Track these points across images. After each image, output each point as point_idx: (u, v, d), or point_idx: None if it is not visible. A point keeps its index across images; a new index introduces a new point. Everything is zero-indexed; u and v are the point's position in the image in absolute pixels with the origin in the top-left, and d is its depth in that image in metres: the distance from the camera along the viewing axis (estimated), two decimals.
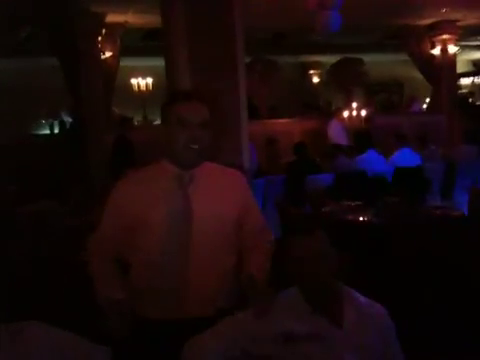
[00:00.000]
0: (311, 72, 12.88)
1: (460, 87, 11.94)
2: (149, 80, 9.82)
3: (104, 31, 7.61)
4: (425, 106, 11.38)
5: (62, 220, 3.67)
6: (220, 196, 1.96)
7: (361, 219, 4.49)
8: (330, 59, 12.20)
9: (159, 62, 5.08)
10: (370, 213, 4.51)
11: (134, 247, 1.93)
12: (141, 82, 9.87)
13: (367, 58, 11.81)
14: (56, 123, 10.41)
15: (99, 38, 7.58)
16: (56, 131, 10.18)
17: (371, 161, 6.20)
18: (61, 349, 1.60)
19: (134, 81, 9.92)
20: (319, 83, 12.81)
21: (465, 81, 12.04)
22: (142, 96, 9.82)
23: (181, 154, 1.90)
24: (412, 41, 10.05)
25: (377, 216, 4.41)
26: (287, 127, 8.90)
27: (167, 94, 2.61)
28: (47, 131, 10.49)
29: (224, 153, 2.31)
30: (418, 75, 10.70)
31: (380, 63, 11.77)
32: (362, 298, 1.85)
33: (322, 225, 1.85)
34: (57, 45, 7.47)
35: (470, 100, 11.44)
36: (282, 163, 7.20)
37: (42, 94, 9.56)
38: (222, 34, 2.32)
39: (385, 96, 12.14)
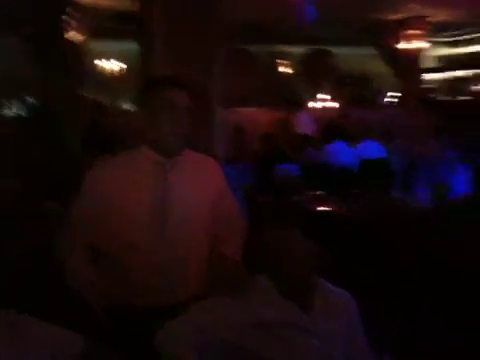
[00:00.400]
0: (279, 62, 12.89)
1: (425, 82, 12.18)
2: (116, 63, 9.64)
3: (69, 10, 7.41)
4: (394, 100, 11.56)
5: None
6: (198, 183, 1.99)
7: (326, 209, 4.59)
8: (300, 50, 12.23)
9: (131, 46, 4.97)
10: (335, 203, 4.62)
11: (110, 232, 1.91)
12: (105, 64, 9.68)
13: (337, 51, 11.90)
14: (21, 106, 10.09)
15: (65, 17, 7.38)
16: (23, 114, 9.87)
17: (338, 152, 6.29)
18: (61, 347, 1.57)
19: (99, 63, 9.72)
20: (288, 74, 12.84)
21: (431, 76, 12.26)
22: (113, 80, 9.66)
23: (167, 139, 1.89)
24: (382, 35, 10.17)
25: (341, 206, 4.53)
26: (254, 116, 8.93)
27: (143, 79, 2.57)
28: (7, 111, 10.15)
29: (197, 141, 2.31)
30: (387, 70, 10.86)
31: (350, 56, 11.87)
32: (330, 286, 1.89)
33: (294, 216, 1.88)
34: (20, 23, 7.23)
35: (432, 96, 11.69)
36: (249, 152, 7.23)
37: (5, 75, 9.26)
38: (199, 22, 2.31)
39: (355, 89, 12.26)
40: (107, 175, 1.95)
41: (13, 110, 9.94)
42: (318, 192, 5.17)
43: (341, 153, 6.29)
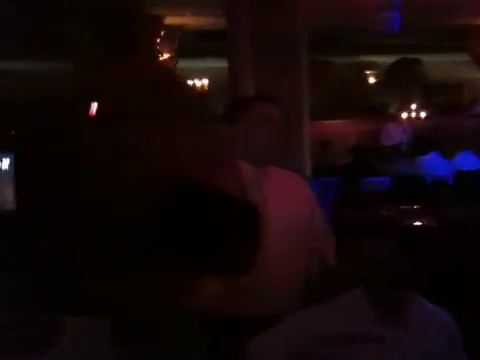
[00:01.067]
0: (367, 72, 12.65)
1: None
2: (205, 81, 9.92)
3: (162, 33, 7.75)
4: None
5: None
6: (293, 196, 1.99)
7: (420, 224, 4.39)
8: (386, 60, 11.94)
9: (215, 63, 5.08)
10: (430, 218, 4.41)
11: None
12: (197, 83, 9.99)
13: (425, 59, 11.49)
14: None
15: (157, 40, 7.72)
16: None
17: (432, 164, 6.04)
18: None
19: (190, 82, 10.04)
20: (375, 84, 12.57)
21: None
22: None
23: (260, 152, 1.90)
24: (473, 41, 9.71)
25: (438, 221, 4.31)
26: (342, 128, 8.79)
27: (230, 95, 2.62)
28: None
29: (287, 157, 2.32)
30: (479, 76, 10.33)
31: (440, 64, 11.42)
32: (428, 304, 1.81)
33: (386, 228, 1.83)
34: (114, 48, 7.64)
35: None
36: (337, 165, 7.11)
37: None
38: (285, 34, 2.31)
39: (444, 98, 11.76)
40: None
41: None
42: (411, 206, 4.97)
43: (435, 165, 6.03)
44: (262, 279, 1.88)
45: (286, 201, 1.96)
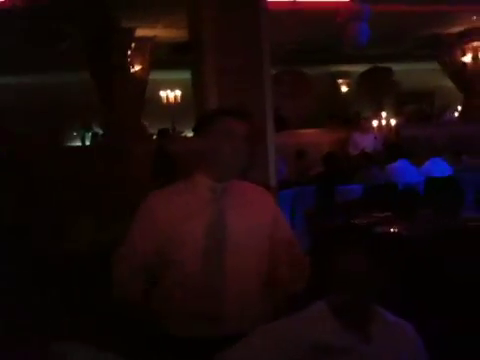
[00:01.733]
0: (340, 81, 12.81)
1: None
2: (178, 92, 9.93)
3: (134, 45, 7.75)
4: (456, 115, 11.18)
5: (92, 234, 3.71)
6: (251, 210, 1.97)
7: (392, 231, 4.42)
8: (359, 69, 12.12)
9: (187, 75, 5.09)
10: (401, 225, 4.44)
11: (166, 260, 1.92)
12: (170, 94, 10.00)
13: (397, 67, 11.68)
14: (88, 135, 10.61)
15: (129, 52, 7.72)
16: (87, 143, 10.38)
17: (402, 172, 6.10)
18: None
19: (163, 93, 10.05)
20: (348, 93, 12.73)
21: None
22: (171, 108, 9.94)
23: (223, 165, 1.91)
24: (443, 50, 9.91)
25: (409, 228, 4.34)
26: (316, 138, 8.86)
27: (197, 106, 2.63)
28: (79, 143, 10.71)
29: (251, 169, 2.31)
30: (449, 84, 10.53)
31: (410, 72, 11.62)
32: (391, 316, 1.81)
33: (359, 239, 1.82)
34: (91, 59, 7.63)
35: None
36: (311, 174, 7.15)
37: (76, 107, 9.78)
38: (248, 46, 2.32)
39: (416, 106, 11.96)
40: (163, 202, 1.96)
41: (86, 141, 10.49)
42: (383, 213, 5.00)
43: (405, 172, 6.10)
44: (221, 293, 1.88)
45: (244, 213, 1.95)
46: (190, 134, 9.48)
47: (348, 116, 10.48)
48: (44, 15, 6.03)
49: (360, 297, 1.70)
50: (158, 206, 1.96)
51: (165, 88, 10.10)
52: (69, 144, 10.81)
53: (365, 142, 8.30)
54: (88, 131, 10.64)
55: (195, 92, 2.60)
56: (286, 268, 1.98)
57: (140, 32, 7.65)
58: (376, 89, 11.64)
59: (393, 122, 9.39)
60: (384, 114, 9.83)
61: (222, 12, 2.29)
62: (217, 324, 1.88)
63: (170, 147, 7.06)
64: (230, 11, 2.27)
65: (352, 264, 1.70)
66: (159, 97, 10.09)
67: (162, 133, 8.34)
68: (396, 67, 11.68)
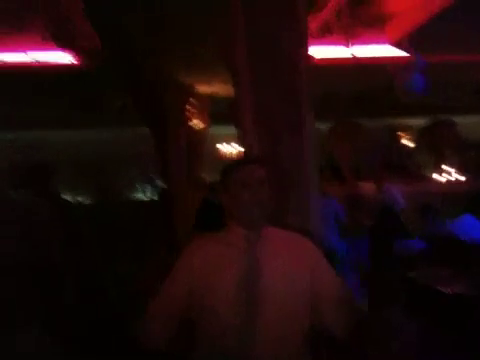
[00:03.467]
0: (400, 134, 12.66)
1: None
2: (236, 146, 10.14)
3: (192, 100, 8.03)
4: None
5: (139, 282, 3.78)
6: (289, 257, 1.94)
7: (453, 291, 4.17)
8: (418, 121, 11.95)
9: None
10: (463, 283, 4.20)
11: (201, 308, 1.91)
12: (229, 148, 10.22)
13: (458, 119, 11.43)
14: (149, 187, 10.96)
15: (188, 107, 8.00)
16: (148, 194, 10.72)
17: (469, 227, 5.84)
18: None
19: (220, 146, 10.29)
20: (408, 146, 12.54)
21: None
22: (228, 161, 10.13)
23: (246, 211, 1.93)
24: None
25: (470, 287, 4.10)
26: (372, 189, 8.69)
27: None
28: (141, 195, 11.07)
29: (290, 215, 2.29)
30: None
31: (471, 124, 11.33)
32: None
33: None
34: (147, 115, 7.97)
35: None
36: (367, 225, 6.97)
37: (136, 160, 10.19)
38: (288, 99, 2.37)
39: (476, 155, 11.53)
40: (201, 250, 1.99)
41: (147, 194, 10.85)
42: (444, 269, 4.76)
43: (472, 228, 5.82)
44: (254, 347, 1.82)
45: (280, 262, 1.91)
46: None
47: (408, 168, 10.25)
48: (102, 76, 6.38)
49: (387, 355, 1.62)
50: (196, 255, 1.99)
51: (221, 142, 10.36)
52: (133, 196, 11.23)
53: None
54: (150, 183, 11.00)
55: (241, 145, 2.66)
56: (333, 310, 1.92)
57: (200, 88, 7.93)
58: (438, 142, 11.39)
59: (462, 178, 9.08)
60: (447, 168, 9.54)
61: (260, 67, 2.35)
62: None
63: (218, 199, 7.11)
64: (268, 65, 2.33)
65: (382, 319, 1.64)
66: (216, 150, 10.33)
67: (212, 185, 8.47)
68: (458, 119, 11.44)
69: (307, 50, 2.40)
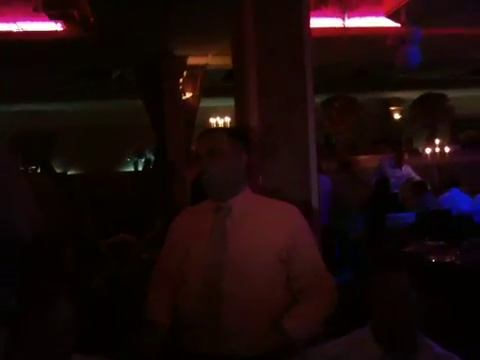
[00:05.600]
0: (392, 108, 12.65)
1: None
2: (227, 119, 10.07)
3: (185, 73, 7.94)
4: None
5: (140, 253, 3.82)
6: (261, 228, 1.91)
7: (447, 260, 4.26)
8: (412, 95, 11.93)
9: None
10: (454, 254, 4.29)
11: (181, 278, 1.96)
12: (219, 121, 10.15)
13: (451, 94, 11.43)
14: (140, 161, 10.92)
15: (181, 80, 7.91)
16: (140, 168, 10.68)
17: (456, 200, 5.92)
18: None
19: (213, 120, 10.22)
20: (401, 120, 12.54)
21: None
22: None
23: (210, 183, 1.92)
24: None
25: (462, 257, 4.18)
26: (365, 164, 8.73)
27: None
28: (132, 168, 11.03)
29: (291, 189, 2.29)
30: None
31: (464, 99, 11.34)
32: (438, 347, 1.73)
33: (405, 264, 1.77)
34: (143, 87, 7.90)
35: None
36: (360, 200, 7.01)
37: (128, 133, 10.12)
38: (292, 72, 2.34)
39: (473, 132, 11.60)
40: (181, 223, 2.06)
41: (138, 166, 10.82)
42: (436, 243, 4.84)
43: (459, 201, 5.90)
44: (219, 317, 1.84)
45: (251, 234, 1.90)
46: None
47: (399, 141, 10.27)
48: (95, 46, 6.28)
49: (404, 323, 1.64)
50: (178, 226, 2.06)
51: (215, 115, 10.27)
52: (123, 170, 11.18)
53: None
54: (141, 157, 10.94)
55: (237, 118, 2.64)
56: (299, 302, 1.90)
57: (192, 60, 7.82)
58: (430, 115, 11.40)
59: (447, 149, 9.13)
60: (437, 141, 9.58)
61: (264, 38, 2.32)
62: (216, 343, 1.85)
63: None
64: (272, 36, 2.30)
65: (396, 284, 1.66)
66: (209, 124, 10.26)
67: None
68: (450, 93, 11.44)
69: (309, 21, 2.37)
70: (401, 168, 7.55)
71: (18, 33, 5.84)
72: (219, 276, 1.86)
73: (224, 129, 2.10)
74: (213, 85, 8.72)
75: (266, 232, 1.90)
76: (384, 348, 1.66)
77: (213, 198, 1.96)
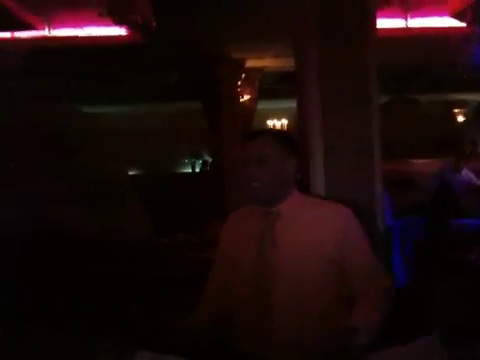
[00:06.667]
0: (456, 111, 12.22)
1: None
2: (284, 121, 10.04)
3: (243, 76, 7.99)
4: None
5: (198, 252, 3.87)
6: (311, 231, 1.87)
7: None
8: (476, 97, 11.48)
9: (294, 104, 5.11)
10: None
11: (231, 286, 1.94)
12: (276, 123, 10.13)
13: None
14: (198, 162, 11.07)
15: (239, 82, 7.96)
16: (197, 170, 10.83)
17: None
18: None
19: (270, 122, 10.22)
20: (465, 122, 12.10)
21: None
22: None
23: (246, 191, 1.88)
24: None
25: None
26: (426, 168, 8.47)
27: (300, 135, 2.65)
28: (189, 170, 11.20)
29: (355, 190, 2.26)
30: None
31: None
32: None
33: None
34: (201, 90, 8.02)
35: None
36: (421, 205, 6.81)
37: (187, 135, 10.27)
38: (354, 73, 2.31)
39: None
40: (228, 229, 2.02)
41: (195, 168, 10.98)
42: None
43: None
44: (270, 331, 1.80)
45: (301, 237, 1.86)
46: None
47: (459, 144, 9.91)
48: (156, 49, 6.42)
49: (472, 331, 1.59)
50: (227, 231, 2.03)
51: (272, 117, 10.27)
52: (180, 171, 11.37)
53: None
54: (198, 159, 11.09)
55: (299, 120, 2.63)
56: (358, 303, 1.82)
57: (250, 63, 7.86)
58: None
59: None
60: None
61: (327, 38, 2.30)
62: (269, 350, 1.81)
63: None
64: (335, 37, 2.27)
65: (464, 295, 1.61)
66: (266, 126, 10.27)
67: None
68: None
69: (375, 21, 2.33)
70: (461, 172, 7.26)
71: (83, 38, 6.06)
72: (270, 283, 1.83)
73: (271, 132, 2.04)
74: (269, 87, 8.72)
75: (316, 235, 1.87)
76: (452, 356, 1.61)
77: (262, 205, 1.92)
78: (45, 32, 5.96)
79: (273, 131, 2.05)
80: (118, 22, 5.33)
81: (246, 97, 8.39)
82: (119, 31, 5.82)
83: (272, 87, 8.77)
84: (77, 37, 6.05)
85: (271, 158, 1.87)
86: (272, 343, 1.82)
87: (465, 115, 12.12)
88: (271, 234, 1.87)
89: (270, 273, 1.83)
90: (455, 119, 12.20)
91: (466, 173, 7.28)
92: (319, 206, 1.99)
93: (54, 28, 5.99)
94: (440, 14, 6.30)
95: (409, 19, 5.79)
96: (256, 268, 1.85)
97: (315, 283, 1.84)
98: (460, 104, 12.13)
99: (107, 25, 5.77)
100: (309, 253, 1.84)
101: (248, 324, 1.86)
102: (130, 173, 11.05)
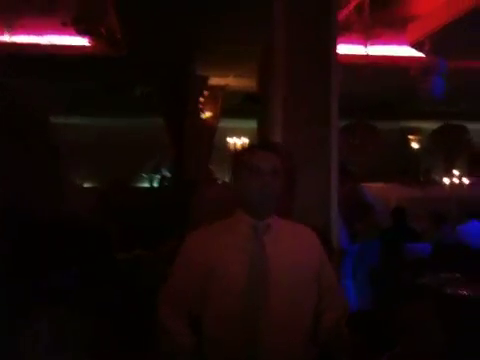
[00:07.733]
0: (411, 138, 12.58)
1: None
2: (245, 140, 10.11)
3: (206, 93, 8.02)
4: None
5: (155, 267, 3.80)
6: (296, 248, 1.92)
7: (462, 293, 4.18)
8: (430, 126, 11.89)
9: (254, 124, 5.14)
10: (471, 288, 4.21)
11: (207, 298, 1.89)
12: (237, 141, 10.19)
13: (471, 126, 11.37)
14: (156, 177, 10.94)
15: (201, 99, 7.98)
16: (155, 185, 10.70)
17: (474, 233, 5.83)
18: None
19: (230, 140, 10.27)
20: (419, 149, 12.46)
21: None
22: None
23: (255, 201, 1.89)
24: None
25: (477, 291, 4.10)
26: (383, 193, 8.67)
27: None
28: (147, 184, 11.07)
29: (310, 213, 2.28)
30: None
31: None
32: None
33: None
34: (165, 105, 7.97)
35: None
36: (377, 229, 6.93)
37: (144, 150, 10.18)
38: (317, 97, 2.35)
39: None
40: (207, 240, 1.96)
41: (154, 183, 10.86)
42: (452, 275, 4.76)
43: (477, 233, 5.81)
44: (262, 333, 1.81)
45: (290, 252, 1.90)
46: None
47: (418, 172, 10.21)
48: (122, 64, 6.38)
49: (424, 352, 1.61)
50: (199, 243, 1.97)
51: (232, 135, 10.34)
52: (138, 185, 11.22)
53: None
54: (156, 173, 10.98)
55: (260, 137, 2.65)
56: (328, 312, 1.93)
57: (213, 81, 7.91)
58: (449, 147, 11.32)
59: (466, 181, 9.06)
60: (456, 172, 9.50)
61: (291, 63, 2.33)
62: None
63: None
64: (299, 62, 2.31)
65: (419, 316, 1.64)
66: (226, 143, 10.32)
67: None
68: (470, 126, 11.38)
69: (336, 43, 2.38)
70: None
71: (46, 46, 5.95)
72: (259, 294, 1.84)
73: (282, 148, 2.05)
74: (231, 106, 8.78)
75: (302, 251, 1.93)
76: None
77: (259, 216, 1.92)
78: (5, 38, 5.83)
79: (282, 147, 2.06)
80: (82, 32, 5.26)
81: (208, 114, 8.41)
82: (82, 41, 5.73)
83: (234, 107, 8.84)
84: (40, 45, 5.94)
85: (281, 172, 1.92)
86: (256, 353, 1.82)
87: (419, 142, 12.48)
88: (261, 246, 1.89)
89: (261, 285, 1.85)
90: (410, 146, 12.55)
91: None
92: (294, 226, 2.03)
93: (15, 34, 5.87)
94: (400, 43, 6.52)
95: (369, 46, 5.94)
96: (245, 279, 1.85)
97: (302, 297, 1.89)
98: (414, 131, 12.51)
99: (70, 34, 5.70)
100: (298, 268, 1.89)
101: (231, 334, 1.84)
102: (87, 185, 10.88)
